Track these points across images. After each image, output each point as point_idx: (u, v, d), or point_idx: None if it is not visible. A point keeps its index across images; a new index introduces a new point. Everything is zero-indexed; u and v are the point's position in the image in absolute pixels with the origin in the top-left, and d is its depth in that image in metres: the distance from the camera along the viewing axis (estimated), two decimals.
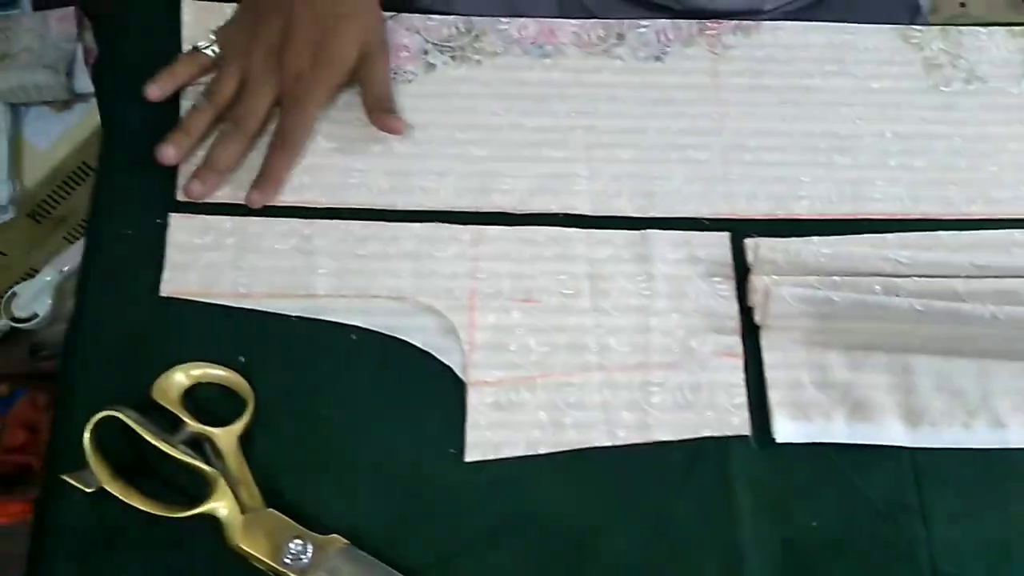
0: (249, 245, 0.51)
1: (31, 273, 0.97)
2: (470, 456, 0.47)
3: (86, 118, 0.93)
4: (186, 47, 0.56)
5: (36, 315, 0.95)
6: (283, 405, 0.48)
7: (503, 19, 0.59)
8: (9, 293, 0.95)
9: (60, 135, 0.92)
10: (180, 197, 0.52)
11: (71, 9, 0.92)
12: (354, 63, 0.55)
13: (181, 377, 0.46)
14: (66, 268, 0.95)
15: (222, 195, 0.52)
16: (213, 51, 0.54)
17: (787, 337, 0.51)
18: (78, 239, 0.99)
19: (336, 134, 0.55)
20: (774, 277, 0.51)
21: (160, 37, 0.57)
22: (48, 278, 0.95)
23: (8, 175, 0.91)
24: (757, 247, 0.52)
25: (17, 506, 0.82)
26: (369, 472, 0.47)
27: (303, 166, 0.53)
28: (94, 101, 0.87)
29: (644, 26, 0.59)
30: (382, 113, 0.54)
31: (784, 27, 0.60)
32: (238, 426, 0.45)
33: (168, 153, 0.51)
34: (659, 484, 0.47)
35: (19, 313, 0.95)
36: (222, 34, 0.55)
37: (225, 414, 0.46)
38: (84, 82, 0.92)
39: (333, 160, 0.54)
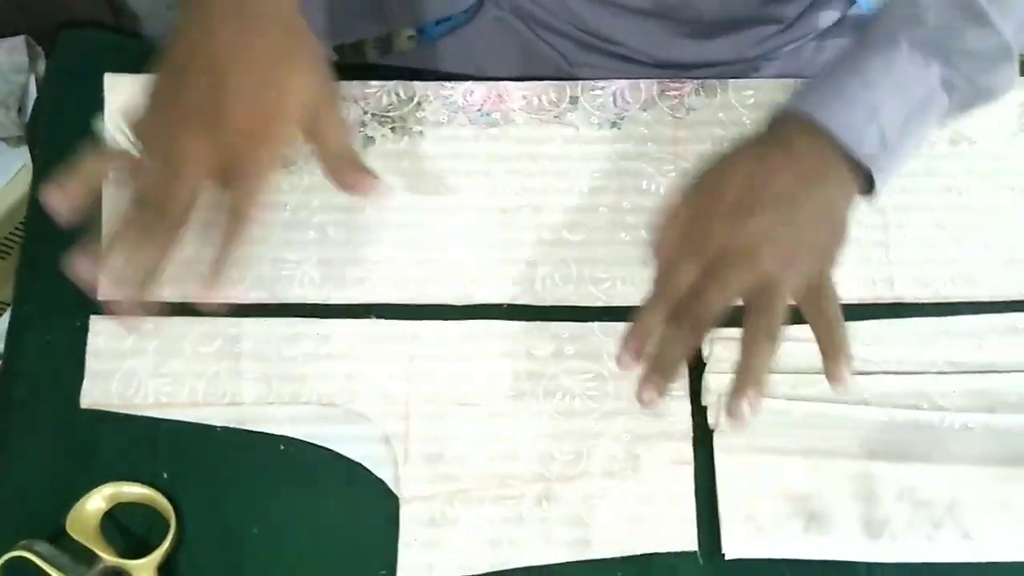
0: (171, 349, 0.49)
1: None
2: None
3: None
4: (110, 129, 0.52)
5: None
6: (208, 523, 0.46)
7: (447, 84, 0.55)
8: None
9: (16, 172, 0.87)
10: (101, 296, 0.48)
11: (21, 38, 0.87)
12: (303, 118, 0.46)
13: (97, 502, 0.44)
14: None
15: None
16: (128, 134, 0.46)
17: (742, 441, 0.48)
18: None
19: (265, 220, 0.51)
20: (724, 378, 0.47)
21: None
22: None
23: None
24: (712, 343, 0.49)
25: None
26: None
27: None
28: None
29: (600, 87, 0.55)
30: (346, 170, 0.46)
31: (750, 84, 0.55)
32: (156, 555, 0.43)
33: (82, 266, 0.44)
34: None
35: None
36: (138, 111, 0.46)
37: (148, 535, 0.45)
38: None
39: (262, 250, 0.51)
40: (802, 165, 0.46)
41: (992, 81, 0.50)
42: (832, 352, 0.43)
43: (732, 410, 0.42)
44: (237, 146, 0.45)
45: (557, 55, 0.62)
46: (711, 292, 0.44)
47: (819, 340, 0.44)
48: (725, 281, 0.44)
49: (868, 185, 0.47)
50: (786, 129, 0.48)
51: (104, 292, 0.47)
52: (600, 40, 0.60)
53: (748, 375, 0.42)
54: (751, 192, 0.45)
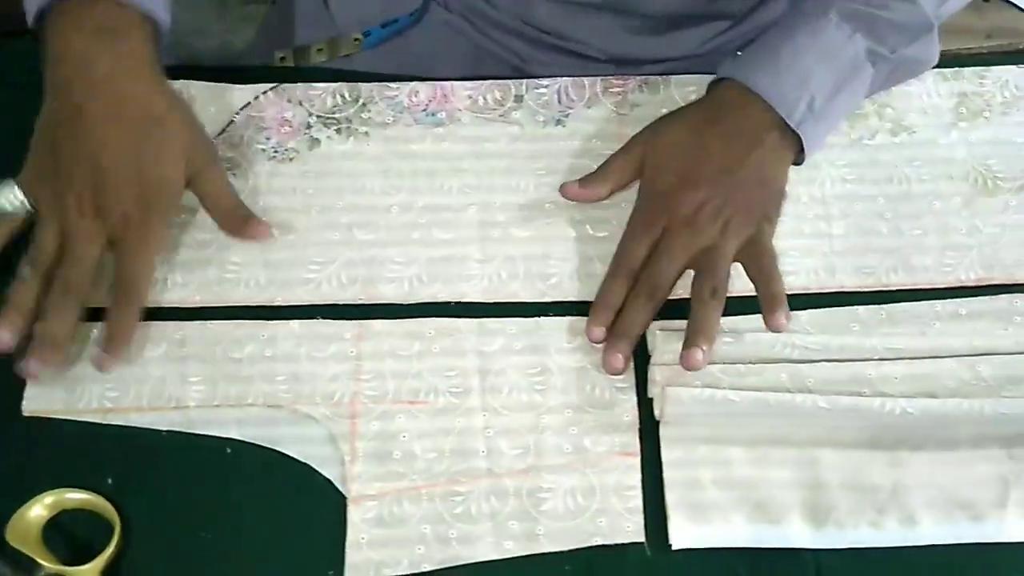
0: None
1: None
2: None
3: None
4: None
5: None
6: (153, 528, 0.45)
7: (392, 85, 0.55)
8: None
9: None
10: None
11: None
12: (184, 185, 0.49)
13: (39, 511, 0.44)
14: None
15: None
16: (24, 203, 0.47)
17: (688, 432, 0.48)
18: None
19: (210, 223, 0.51)
20: (669, 370, 0.48)
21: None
22: None
23: None
24: (655, 335, 0.50)
25: None
26: None
27: (174, 262, 0.50)
28: None
29: (544, 85, 0.56)
30: (237, 224, 0.50)
31: (692, 80, 0.56)
32: (99, 562, 0.43)
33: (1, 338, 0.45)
34: None
35: None
36: (28, 181, 0.47)
37: (93, 542, 0.44)
38: None
39: (207, 254, 0.51)
40: (737, 135, 0.51)
41: (914, 53, 0.54)
42: (770, 302, 0.49)
43: (687, 359, 0.47)
44: (125, 228, 0.47)
45: (509, 54, 0.62)
46: (661, 262, 0.50)
47: (758, 292, 0.50)
48: (671, 251, 0.50)
49: (799, 149, 0.52)
50: (722, 96, 0.53)
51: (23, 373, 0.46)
52: (554, 37, 0.61)
53: (698, 330, 0.48)
54: (690, 167, 0.51)
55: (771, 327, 0.48)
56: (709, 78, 0.55)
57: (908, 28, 0.52)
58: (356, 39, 0.62)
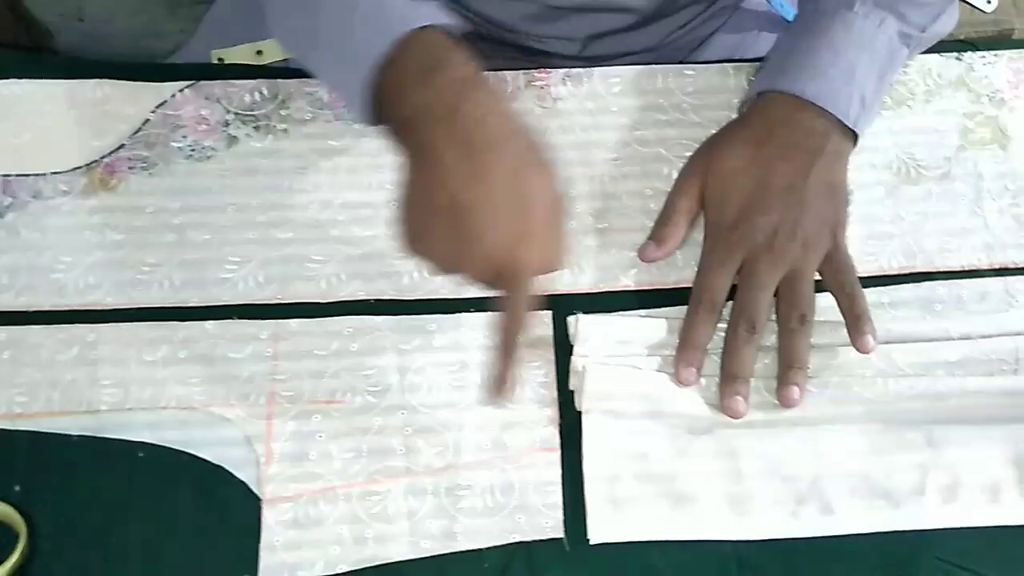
0: (26, 358, 0.47)
1: None
2: None
3: None
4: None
5: None
6: (63, 534, 0.45)
7: (311, 81, 0.54)
8: None
9: None
10: None
11: None
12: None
13: None
14: None
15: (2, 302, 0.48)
16: None
17: (610, 424, 0.48)
18: None
19: (125, 224, 0.51)
20: (592, 358, 0.48)
21: None
22: None
23: None
24: (577, 325, 0.49)
25: None
26: None
27: (86, 264, 0.49)
28: None
29: None
30: None
31: (614, 72, 0.55)
32: (3, 570, 0.42)
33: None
34: None
35: None
36: (403, 226, 0.42)
37: None
38: None
39: (120, 255, 0.50)
40: (796, 147, 0.50)
41: (941, 27, 0.54)
42: (855, 320, 0.48)
43: (785, 398, 0.47)
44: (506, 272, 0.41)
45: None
46: (753, 294, 0.48)
47: (842, 310, 0.49)
48: (759, 281, 0.48)
49: (852, 144, 0.51)
50: (770, 112, 0.51)
51: None
52: (523, 37, 0.60)
53: (791, 363, 0.47)
54: (756, 190, 0.49)
55: (859, 349, 0.47)
56: (634, 69, 0.55)
57: (932, 3, 0.52)
58: None
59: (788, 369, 0.47)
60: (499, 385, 0.42)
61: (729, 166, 0.50)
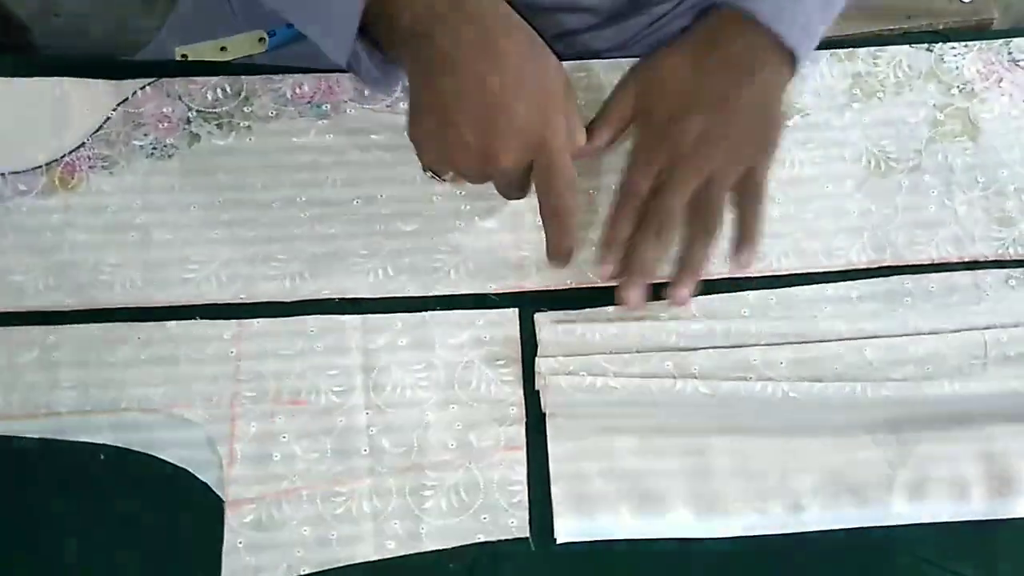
0: None
1: None
2: None
3: None
4: None
5: None
6: (21, 539, 0.44)
7: (275, 77, 0.54)
8: None
9: None
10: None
11: None
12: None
13: None
14: None
15: None
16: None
17: (575, 423, 0.48)
18: None
19: (86, 224, 0.50)
20: (555, 361, 0.47)
21: None
22: None
23: None
24: (542, 326, 0.49)
25: None
26: None
27: (46, 265, 0.49)
28: None
29: None
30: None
31: (584, 68, 0.54)
32: None
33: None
34: None
35: None
36: (423, 146, 0.47)
37: None
38: None
39: (81, 255, 0.49)
40: (734, 61, 0.50)
41: None
42: (746, 239, 0.49)
43: (674, 296, 0.49)
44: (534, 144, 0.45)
45: None
46: (667, 198, 0.49)
47: (740, 227, 0.50)
48: (676, 186, 0.49)
49: (791, 70, 0.51)
50: (715, 24, 0.51)
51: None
52: None
53: (689, 265, 0.49)
54: (690, 94, 0.50)
55: (738, 263, 0.49)
56: (601, 62, 0.54)
57: None
58: (261, 38, 0.61)
59: (682, 271, 0.48)
60: (565, 248, 0.47)
61: (667, 69, 0.51)
